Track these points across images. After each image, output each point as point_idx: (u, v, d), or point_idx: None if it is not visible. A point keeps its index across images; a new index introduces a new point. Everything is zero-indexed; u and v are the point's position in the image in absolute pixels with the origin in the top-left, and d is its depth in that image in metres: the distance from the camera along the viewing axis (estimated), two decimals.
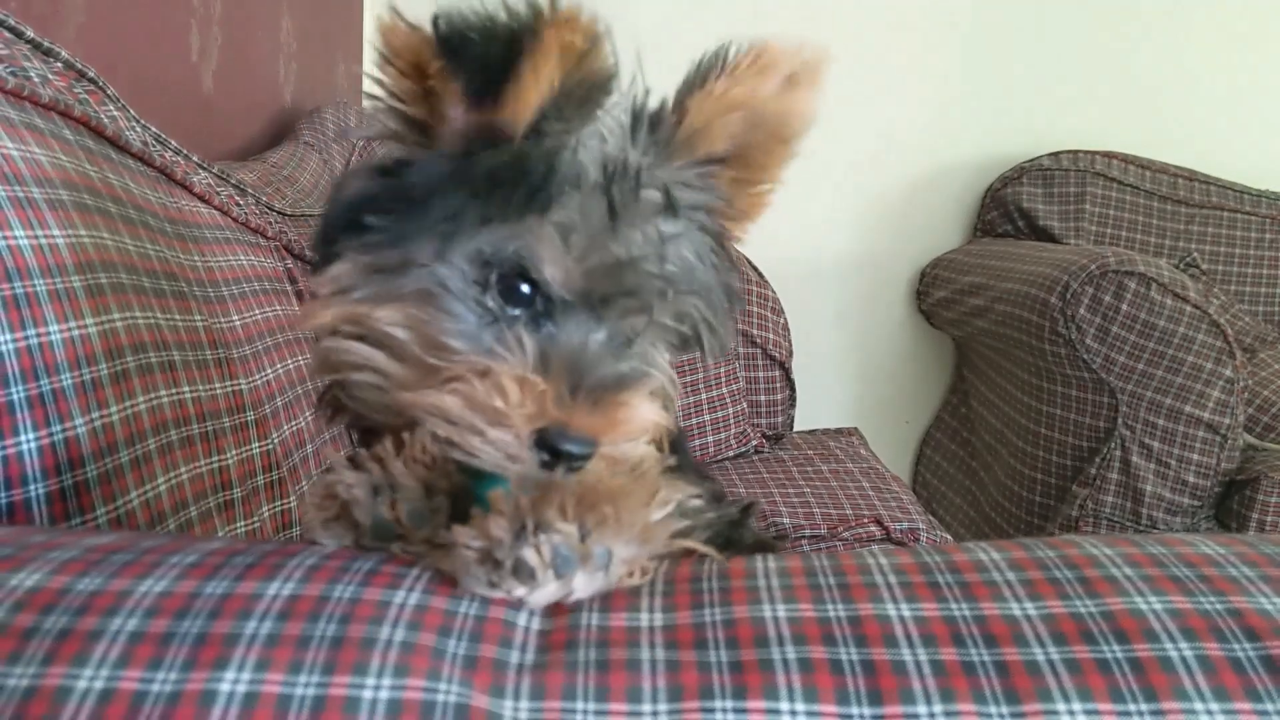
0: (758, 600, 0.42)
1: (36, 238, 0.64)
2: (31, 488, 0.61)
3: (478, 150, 0.51)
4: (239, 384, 0.89)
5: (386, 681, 0.37)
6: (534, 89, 0.49)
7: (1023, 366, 2.18)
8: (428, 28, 0.50)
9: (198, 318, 0.85)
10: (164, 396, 0.75)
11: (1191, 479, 1.97)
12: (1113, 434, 2.01)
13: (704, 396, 1.92)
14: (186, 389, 0.79)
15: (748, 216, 0.61)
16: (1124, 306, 1.93)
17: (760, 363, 2.11)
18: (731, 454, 1.96)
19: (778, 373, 2.12)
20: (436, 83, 0.51)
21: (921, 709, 0.37)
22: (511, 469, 0.50)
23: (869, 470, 1.88)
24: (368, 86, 0.54)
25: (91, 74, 0.85)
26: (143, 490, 0.70)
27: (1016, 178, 2.49)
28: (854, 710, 0.37)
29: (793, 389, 2.15)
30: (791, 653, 0.39)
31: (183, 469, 0.76)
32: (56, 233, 0.66)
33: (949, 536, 1.68)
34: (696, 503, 0.55)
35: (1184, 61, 2.53)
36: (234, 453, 0.85)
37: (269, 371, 0.97)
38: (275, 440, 0.94)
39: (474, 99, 0.50)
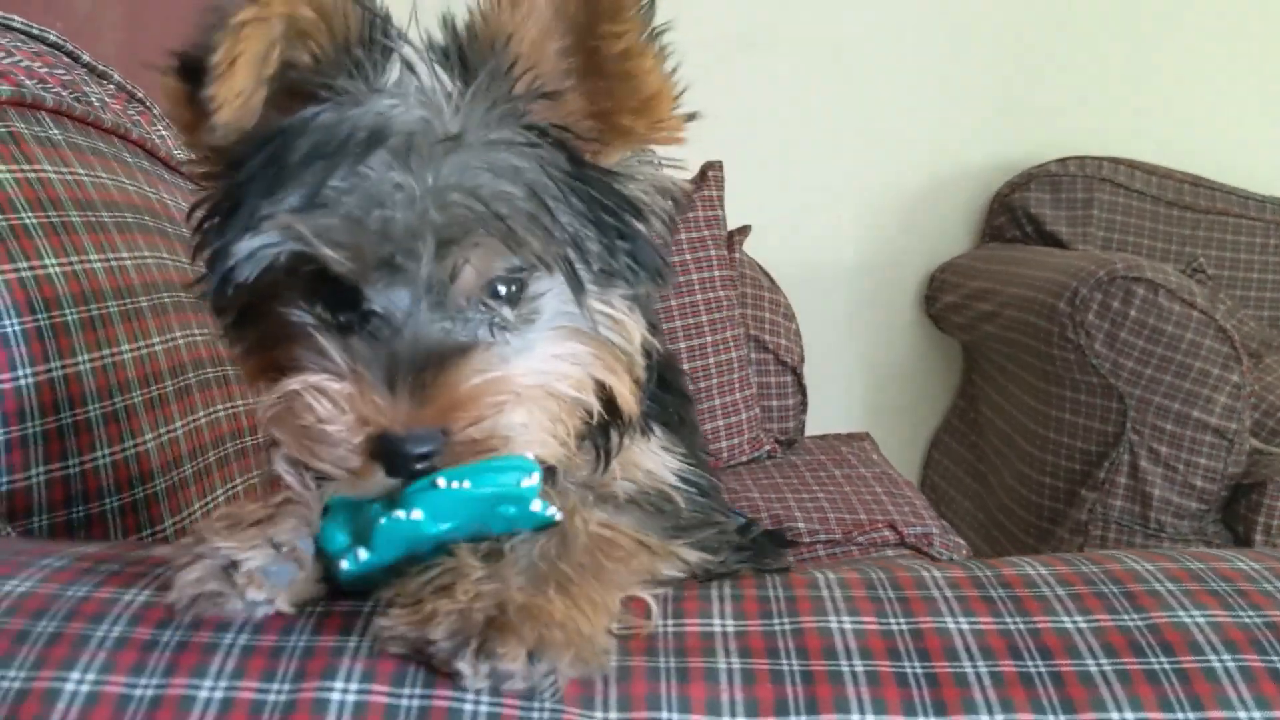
0: (823, 611, 0.45)
1: (108, 260, 0.66)
2: (107, 501, 0.63)
3: (227, 167, 0.48)
4: None
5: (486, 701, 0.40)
6: (234, 74, 0.44)
7: (1031, 371, 2.21)
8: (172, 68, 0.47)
9: None
10: (220, 410, 0.77)
11: (1199, 483, 2.00)
12: (1121, 439, 2.03)
13: (717, 402, 1.94)
14: (239, 403, 0.81)
15: (644, 113, 0.51)
16: (1132, 312, 1.96)
17: (772, 368, 2.13)
18: (745, 459, 1.98)
19: (789, 378, 2.14)
20: (190, 115, 0.47)
21: (984, 718, 0.40)
22: (365, 485, 0.46)
23: (881, 475, 1.91)
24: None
25: (140, 95, 0.88)
26: (204, 502, 0.73)
27: (1025, 183, 2.51)
28: None
29: (804, 394, 2.17)
30: (859, 665, 0.42)
31: (238, 480, 0.79)
32: (125, 255, 0.69)
33: (962, 542, 1.70)
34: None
35: (1192, 68, 2.56)
36: None
37: None
38: None
39: (198, 110, 0.46)
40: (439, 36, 0.51)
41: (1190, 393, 1.96)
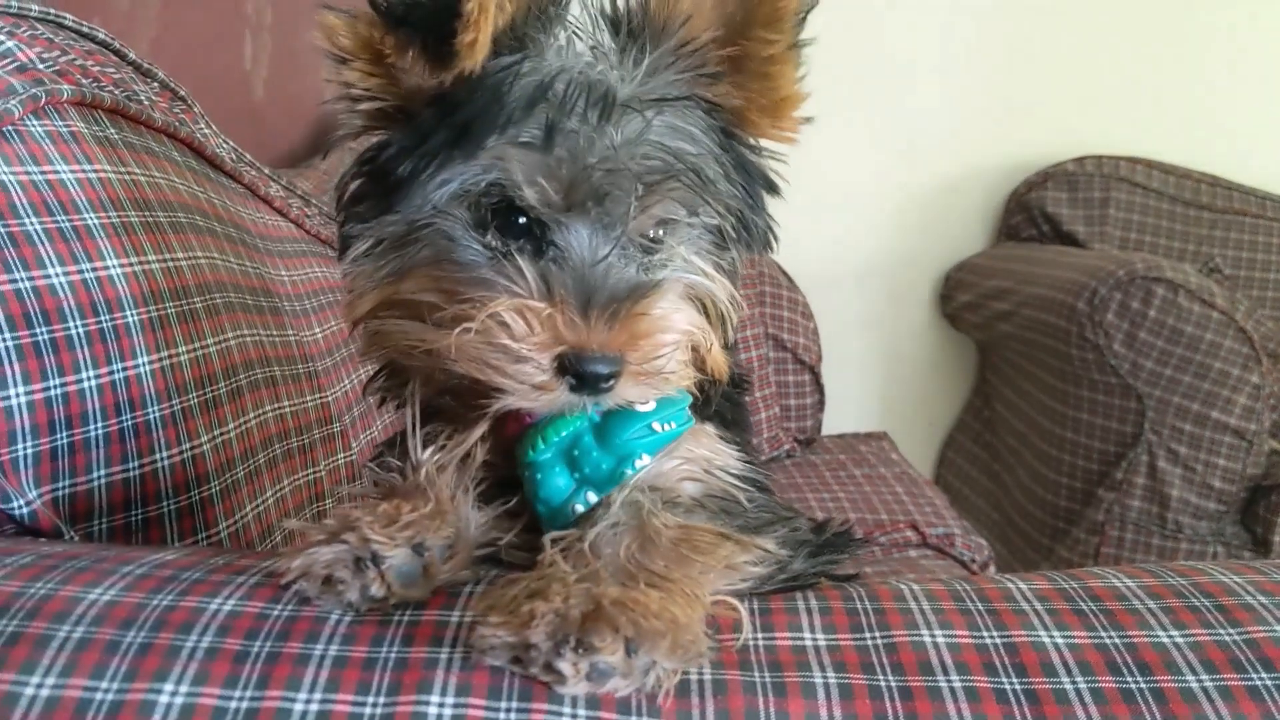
0: (914, 624, 0.44)
1: (165, 261, 0.66)
2: (165, 504, 0.63)
3: (441, 100, 0.51)
4: (325, 396, 0.91)
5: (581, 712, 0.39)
6: (485, 20, 0.49)
7: (1048, 371, 2.20)
8: (367, 11, 0.51)
9: (290, 332, 0.87)
10: (269, 411, 0.77)
11: (1218, 484, 1.99)
12: (1139, 439, 2.03)
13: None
14: (285, 403, 0.81)
15: (772, 112, 0.57)
16: (1151, 312, 1.95)
17: (790, 367, 2.12)
18: (763, 458, 1.98)
19: (807, 377, 2.14)
20: (393, 59, 0.51)
21: None
22: (542, 399, 0.50)
23: (901, 475, 1.91)
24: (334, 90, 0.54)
25: (183, 93, 0.87)
26: (255, 504, 0.72)
27: (1041, 182, 2.51)
28: None
29: (822, 393, 2.17)
30: (957, 681, 0.41)
31: (284, 482, 0.78)
32: (180, 255, 0.68)
33: (983, 542, 1.70)
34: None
35: (1208, 67, 2.55)
36: (324, 463, 0.87)
37: (346, 383, 0.99)
38: (356, 449, 0.96)
39: (432, 56, 0.50)
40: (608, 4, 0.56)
41: (1209, 393, 1.96)
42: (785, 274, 2.19)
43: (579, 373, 0.49)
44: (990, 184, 2.59)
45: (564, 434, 0.54)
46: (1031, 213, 2.53)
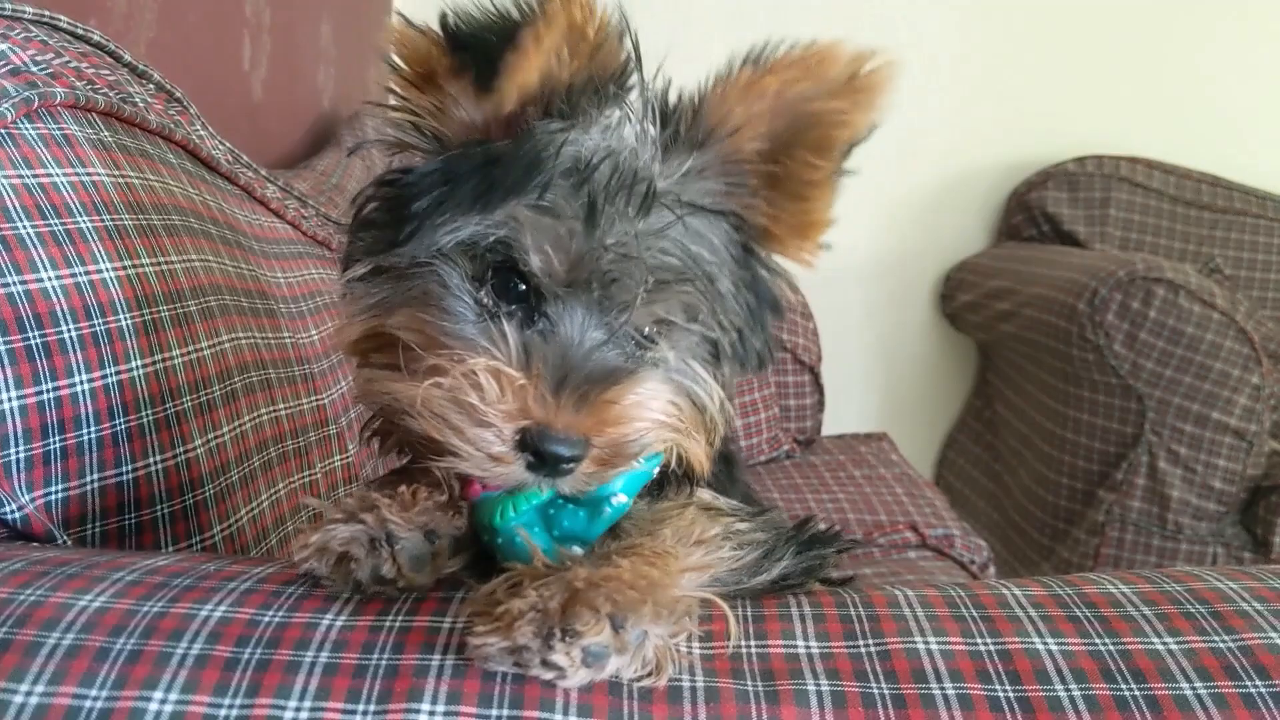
0: (908, 632, 0.44)
1: (159, 264, 0.66)
2: (158, 508, 0.63)
3: (477, 145, 0.51)
4: (322, 398, 0.91)
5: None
6: (534, 60, 0.48)
7: (1049, 371, 2.20)
8: (434, 29, 0.51)
9: (285, 334, 0.87)
10: (264, 414, 0.77)
11: (1218, 485, 1.99)
12: (1140, 439, 2.03)
13: (735, 402, 1.93)
14: (281, 406, 0.80)
15: (798, 233, 0.57)
16: (1152, 313, 1.95)
17: (790, 367, 2.12)
18: (763, 459, 1.98)
19: (807, 377, 2.14)
20: (445, 82, 0.51)
21: None
22: (495, 471, 0.49)
23: (901, 476, 1.90)
24: (380, 98, 0.55)
25: (179, 94, 0.87)
26: (250, 507, 0.72)
27: (1041, 182, 2.50)
28: None
29: (822, 393, 2.16)
30: (951, 689, 0.41)
31: (280, 485, 0.78)
32: (174, 258, 0.68)
33: (983, 543, 1.70)
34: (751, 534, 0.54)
35: (1209, 67, 2.55)
36: (321, 466, 0.87)
37: (343, 384, 0.99)
38: (352, 453, 0.96)
39: (480, 85, 0.50)
40: (658, 94, 0.55)
41: (1210, 394, 1.96)
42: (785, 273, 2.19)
43: (539, 450, 0.48)
44: (991, 184, 2.59)
45: (534, 503, 0.51)
46: (1032, 212, 2.52)
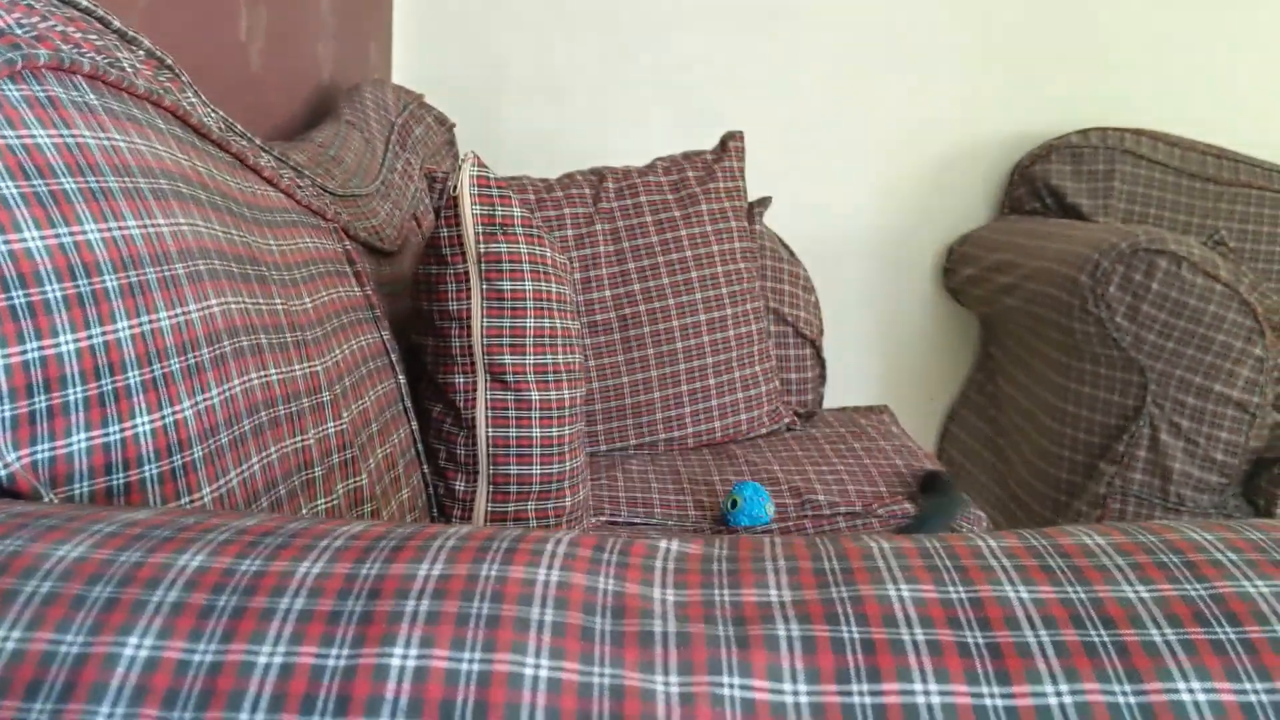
0: (880, 580, 0.44)
1: (145, 227, 0.66)
2: (146, 469, 0.63)
3: None
4: (314, 365, 0.91)
5: (545, 661, 0.40)
6: None
7: (1051, 344, 2.20)
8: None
9: (278, 301, 0.87)
10: (254, 379, 0.77)
11: (1220, 457, 1.99)
12: (1142, 412, 2.03)
13: (737, 375, 1.94)
14: (272, 371, 0.81)
15: None
16: (1155, 285, 1.94)
17: (791, 340, 2.12)
18: (764, 431, 1.98)
19: (808, 350, 2.14)
20: None
21: (1048, 689, 0.39)
22: None
23: (901, 448, 1.90)
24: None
25: (170, 61, 0.87)
26: (240, 470, 0.72)
27: (1045, 155, 2.49)
28: (984, 690, 0.39)
29: (823, 367, 2.17)
30: (920, 634, 0.41)
31: (272, 449, 0.78)
32: (161, 221, 0.68)
33: (983, 515, 1.70)
34: None
35: (1214, 38, 2.53)
36: (313, 432, 0.87)
37: (337, 352, 1.00)
38: (346, 420, 0.97)
39: None
40: None
41: (1212, 366, 1.95)
42: (786, 246, 2.18)
43: None
44: (993, 156, 2.58)
45: None
46: (1035, 185, 2.51)
